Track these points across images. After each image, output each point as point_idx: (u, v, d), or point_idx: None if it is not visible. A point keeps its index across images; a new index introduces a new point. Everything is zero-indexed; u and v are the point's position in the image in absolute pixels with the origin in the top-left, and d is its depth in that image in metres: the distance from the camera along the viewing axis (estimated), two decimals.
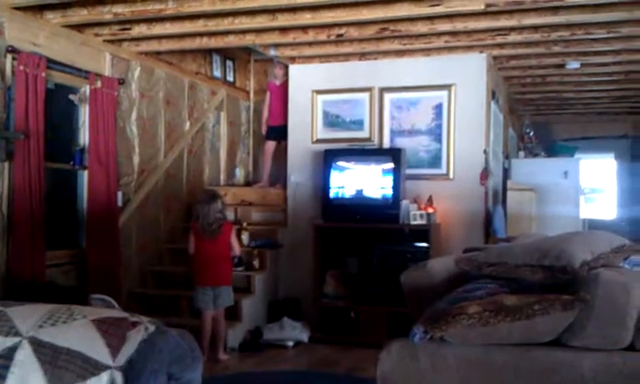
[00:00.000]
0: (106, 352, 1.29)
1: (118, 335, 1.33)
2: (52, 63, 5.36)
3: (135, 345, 1.33)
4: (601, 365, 2.39)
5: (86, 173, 5.86)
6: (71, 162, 5.82)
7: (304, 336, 6.22)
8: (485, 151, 6.46)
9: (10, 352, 1.26)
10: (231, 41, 6.04)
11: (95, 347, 1.29)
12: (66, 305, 1.42)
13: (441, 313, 2.57)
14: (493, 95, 6.85)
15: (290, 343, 6.10)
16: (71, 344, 1.29)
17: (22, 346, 1.28)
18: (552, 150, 8.78)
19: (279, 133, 7.42)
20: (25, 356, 1.26)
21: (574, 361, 2.41)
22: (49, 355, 1.26)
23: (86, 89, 5.80)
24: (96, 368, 1.27)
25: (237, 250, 5.75)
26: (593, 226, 8.16)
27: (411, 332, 2.59)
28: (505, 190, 7.50)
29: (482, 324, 2.45)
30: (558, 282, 2.63)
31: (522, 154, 8.55)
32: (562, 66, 6.97)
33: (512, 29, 5.63)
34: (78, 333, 1.33)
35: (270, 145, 7.62)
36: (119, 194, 6.14)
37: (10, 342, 1.28)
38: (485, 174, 6.43)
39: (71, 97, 5.83)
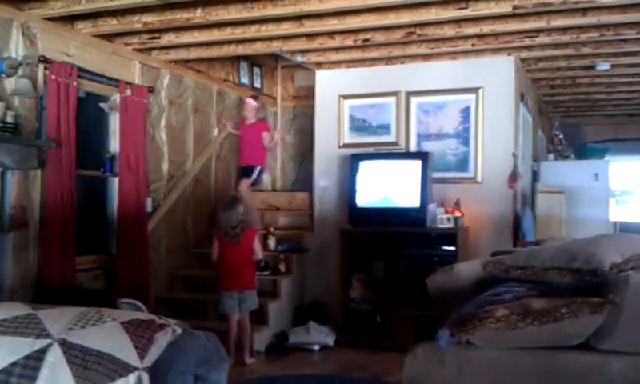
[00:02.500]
0: (133, 354, 1.32)
1: (146, 337, 1.36)
2: (83, 72, 5.46)
3: (162, 347, 1.35)
4: (630, 368, 2.36)
5: (116, 179, 5.95)
6: (102, 169, 5.91)
7: (330, 340, 6.22)
8: (513, 154, 6.40)
9: (41, 354, 1.30)
10: (258, 48, 6.09)
11: (123, 349, 1.32)
12: (96, 308, 1.45)
13: (467, 316, 2.56)
14: (521, 97, 6.79)
15: (316, 347, 6.11)
16: (100, 346, 1.32)
17: (53, 347, 1.31)
18: (582, 152, 8.67)
19: (250, 174, 6.99)
20: (55, 357, 1.29)
21: (603, 364, 2.39)
22: (78, 357, 1.29)
23: (117, 97, 5.90)
24: (124, 369, 1.30)
25: (259, 254, 5.76)
26: (623, 228, 8.03)
27: (437, 335, 2.58)
28: (534, 192, 7.42)
29: (509, 327, 2.44)
30: (587, 285, 2.61)
31: (551, 156, 8.45)
32: (591, 67, 6.88)
33: (540, 30, 5.57)
34: (107, 335, 1.36)
35: (245, 183, 6.96)
36: (149, 200, 6.22)
37: (40, 344, 1.31)
38: (513, 176, 6.37)
39: (102, 105, 5.93)
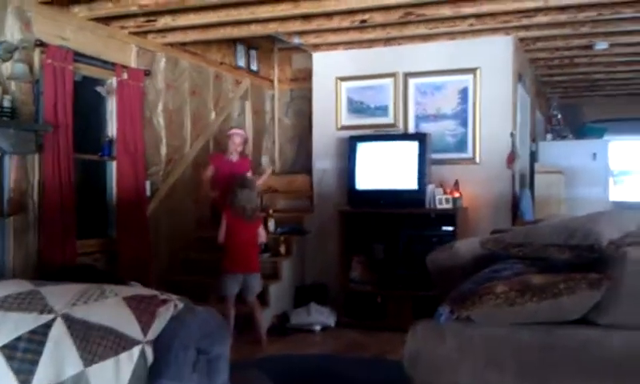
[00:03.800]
0: (137, 328, 1.33)
1: (149, 312, 1.37)
2: (79, 56, 5.45)
3: (165, 321, 1.37)
4: (628, 342, 2.38)
5: (114, 163, 5.95)
6: (100, 153, 5.91)
7: (331, 321, 6.26)
8: (511, 134, 6.40)
9: (45, 328, 1.31)
10: (254, 30, 6.06)
11: (126, 323, 1.34)
12: (97, 284, 1.46)
13: (467, 293, 2.58)
14: (519, 78, 6.78)
15: (317, 327, 6.15)
16: (103, 320, 1.33)
17: (56, 322, 1.32)
18: (580, 132, 8.67)
19: None
20: (59, 332, 1.30)
21: (602, 339, 2.41)
22: (82, 331, 1.30)
23: (113, 81, 5.88)
24: (128, 343, 1.31)
25: (264, 237, 5.77)
26: (622, 208, 8.04)
27: (437, 312, 2.60)
28: (532, 173, 7.43)
29: (508, 304, 2.46)
30: (586, 261, 2.62)
31: (549, 136, 8.45)
32: (589, 46, 6.87)
33: (538, 10, 5.55)
34: (110, 310, 1.37)
35: None
36: (147, 184, 6.22)
37: (44, 319, 1.32)
38: (512, 157, 6.37)
39: (98, 89, 5.92)
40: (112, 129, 5.95)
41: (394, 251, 6.47)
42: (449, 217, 6.16)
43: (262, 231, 5.74)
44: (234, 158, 6.23)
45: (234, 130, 6.45)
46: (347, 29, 6.19)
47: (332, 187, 6.99)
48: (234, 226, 5.56)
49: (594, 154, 7.77)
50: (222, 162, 6.22)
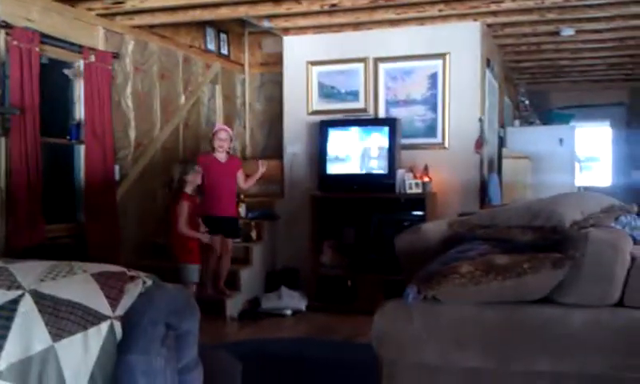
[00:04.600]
0: (105, 303, 1.34)
1: (117, 288, 1.38)
2: (45, 38, 5.36)
3: (133, 297, 1.38)
4: (590, 320, 2.45)
5: (82, 147, 5.88)
6: (67, 137, 5.84)
7: (302, 305, 6.30)
8: (480, 119, 6.48)
9: (13, 304, 1.31)
10: (224, 13, 6.02)
11: (95, 299, 1.34)
12: (66, 261, 1.47)
13: (433, 273, 2.62)
14: (488, 63, 6.86)
15: (288, 312, 6.18)
16: (72, 296, 1.34)
17: (24, 298, 1.32)
18: (547, 118, 8.80)
19: (226, 226, 5.89)
20: (27, 308, 1.31)
21: (564, 317, 2.47)
22: (50, 307, 1.31)
23: (80, 63, 5.80)
24: (96, 318, 1.32)
25: (182, 228, 5.37)
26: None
27: (405, 292, 2.64)
28: (500, 158, 7.53)
29: (473, 283, 2.51)
30: (549, 242, 2.68)
31: (517, 122, 8.57)
32: (556, 33, 6.97)
33: None
34: (79, 286, 1.37)
35: (229, 242, 6.02)
36: (116, 168, 6.16)
37: (12, 294, 1.32)
38: (480, 142, 6.46)
39: (65, 71, 5.83)
40: (80, 112, 5.88)
41: (364, 235, 6.53)
42: (418, 201, 6.23)
43: (180, 213, 5.34)
44: (223, 158, 5.91)
45: (219, 126, 6.19)
46: (317, 13, 6.18)
47: (303, 172, 7.01)
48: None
49: (561, 140, 7.90)
50: (211, 163, 5.83)
